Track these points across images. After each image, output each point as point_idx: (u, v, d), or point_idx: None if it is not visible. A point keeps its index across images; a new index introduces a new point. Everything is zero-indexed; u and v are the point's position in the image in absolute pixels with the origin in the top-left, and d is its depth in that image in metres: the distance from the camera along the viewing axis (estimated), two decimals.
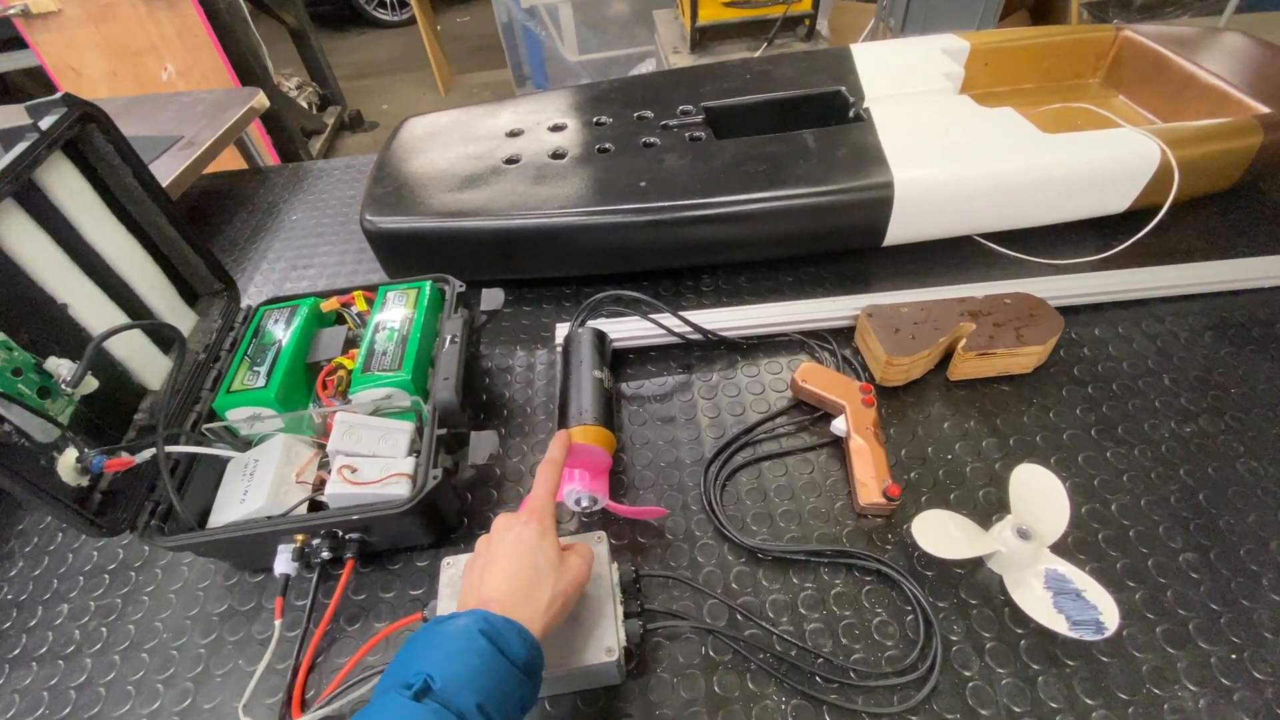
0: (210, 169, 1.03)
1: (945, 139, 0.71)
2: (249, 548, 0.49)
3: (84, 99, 0.49)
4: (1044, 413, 0.58)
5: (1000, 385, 0.60)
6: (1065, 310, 0.65)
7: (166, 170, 0.82)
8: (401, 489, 0.47)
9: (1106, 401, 0.58)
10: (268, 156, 2.11)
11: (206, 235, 0.89)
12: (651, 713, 0.43)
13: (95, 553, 0.56)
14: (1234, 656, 0.43)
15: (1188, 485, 0.52)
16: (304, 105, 2.44)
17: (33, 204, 0.48)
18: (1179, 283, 0.66)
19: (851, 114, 0.80)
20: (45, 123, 0.46)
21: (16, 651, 0.50)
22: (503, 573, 0.38)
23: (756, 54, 1.61)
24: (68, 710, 0.47)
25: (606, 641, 0.41)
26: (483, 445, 0.49)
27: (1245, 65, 0.80)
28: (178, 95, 0.97)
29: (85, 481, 0.46)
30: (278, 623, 0.47)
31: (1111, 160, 0.68)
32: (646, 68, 2.22)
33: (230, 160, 1.12)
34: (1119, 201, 0.71)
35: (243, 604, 0.51)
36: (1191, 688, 0.42)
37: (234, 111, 0.92)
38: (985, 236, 0.75)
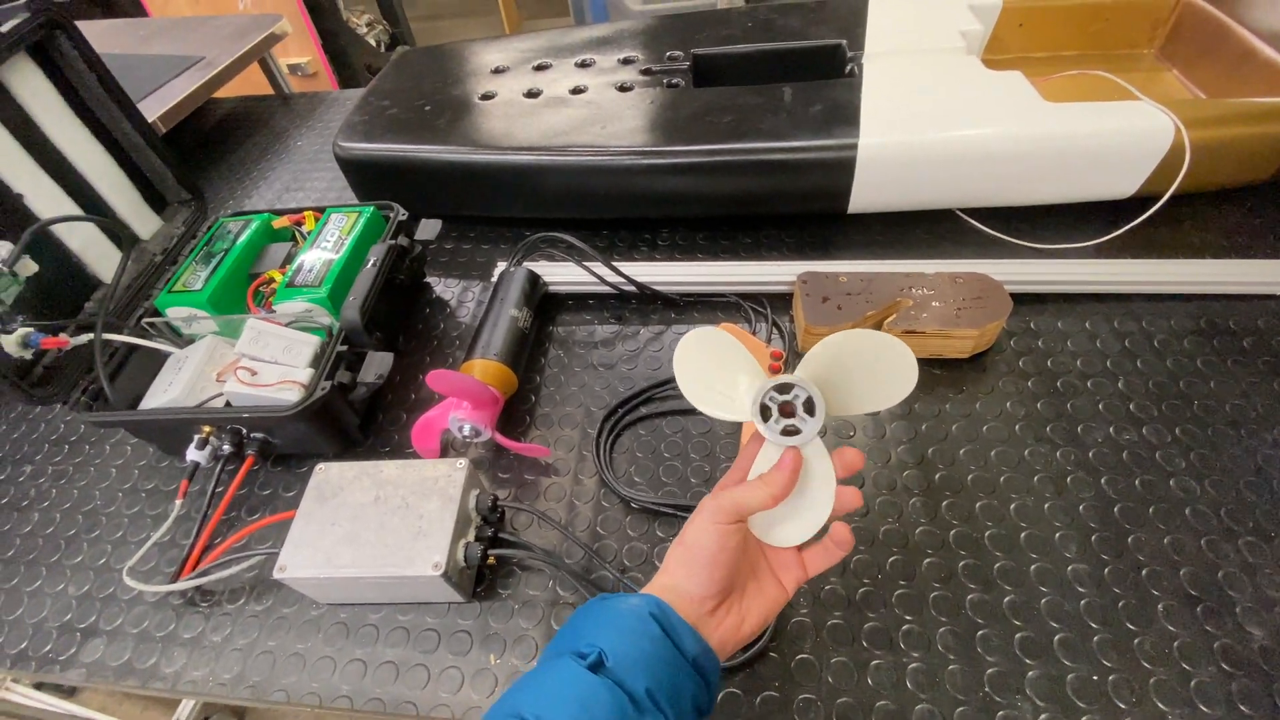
0: (240, 93, 1.09)
1: (931, 102, 0.66)
2: (166, 434, 0.54)
3: (50, 5, 0.53)
4: (970, 402, 0.54)
5: (932, 369, 0.57)
6: (1034, 298, 0.60)
7: (182, 88, 0.87)
8: (292, 395, 0.50)
9: (1044, 398, 0.54)
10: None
11: (220, 154, 0.95)
12: (486, 632, 0.45)
13: (62, 425, 0.63)
14: (1095, 678, 0.40)
15: (1105, 495, 0.48)
16: (372, 43, 2.50)
17: None
18: (1165, 279, 0.59)
19: (847, 69, 0.75)
20: (7, 26, 0.50)
21: None
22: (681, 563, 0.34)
23: None
24: (12, 552, 0.54)
25: (435, 557, 0.42)
26: (374, 365, 0.51)
27: None
28: (212, 19, 1.02)
29: (28, 355, 0.52)
30: (178, 502, 0.51)
31: (1114, 135, 0.60)
32: None
33: (263, 88, 1.18)
34: (1124, 184, 0.64)
35: (167, 484, 0.57)
36: (1036, 701, 0.40)
37: (253, 36, 0.96)
38: (969, 213, 0.69)
